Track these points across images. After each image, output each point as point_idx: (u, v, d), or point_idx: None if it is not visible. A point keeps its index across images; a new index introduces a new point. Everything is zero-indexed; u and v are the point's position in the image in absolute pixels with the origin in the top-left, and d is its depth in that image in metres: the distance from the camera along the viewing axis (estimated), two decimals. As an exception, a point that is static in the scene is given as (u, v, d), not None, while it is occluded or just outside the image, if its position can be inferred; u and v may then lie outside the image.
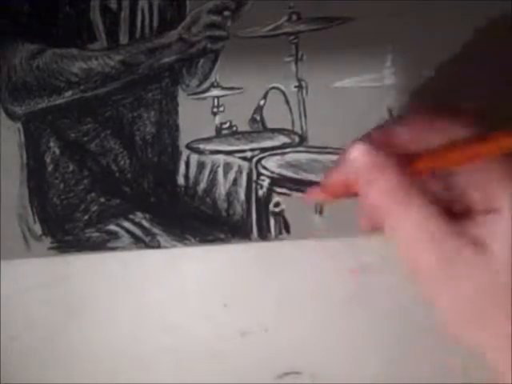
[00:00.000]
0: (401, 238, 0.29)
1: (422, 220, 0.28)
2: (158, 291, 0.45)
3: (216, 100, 0.45)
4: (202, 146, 0.45)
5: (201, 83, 0.45)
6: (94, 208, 0.45)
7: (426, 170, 0.29)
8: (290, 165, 0.44)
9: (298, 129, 0.45)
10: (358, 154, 0.29)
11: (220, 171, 0.45)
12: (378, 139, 0.30)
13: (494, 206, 0.27)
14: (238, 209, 0.44)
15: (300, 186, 0.44)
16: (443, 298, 0.29)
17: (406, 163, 0.29)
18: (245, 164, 0.45)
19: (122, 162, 0.45)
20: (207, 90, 0.45)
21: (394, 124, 0.31)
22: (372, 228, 0.32)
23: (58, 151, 0.45)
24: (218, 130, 0.45)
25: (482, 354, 0.28)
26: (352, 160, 0.29)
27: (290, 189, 0.44)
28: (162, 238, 0.44)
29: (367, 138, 0.30)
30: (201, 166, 0.45)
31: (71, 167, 0.45)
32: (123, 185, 0.45)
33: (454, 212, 0.29)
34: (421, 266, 0.28)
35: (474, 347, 0.29)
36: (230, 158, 0.45)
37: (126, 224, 0.44)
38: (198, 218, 0.44)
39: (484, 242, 0.27)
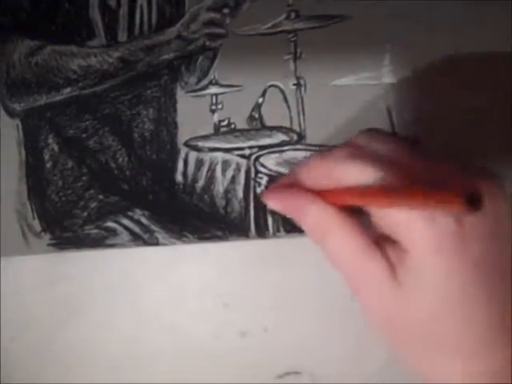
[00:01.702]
0: (329, 255, 0.31)
1: (344, 239, 0.29)
2: (157, 288, 0.45)
3: (214, 97, 0.45)
4: (200, 144, 0.45)
5: (199, 81, 0.45)
6: (93, 205, 0.45)
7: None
8: (289, 163, 0.45)
9: (296, 127, 0.45)
10: (273, 203, 0.33)
11: (218, 169, 0.45)
12: (287, 183, 0.33)
13: (403, 245, 0.28)
14: (236, 206, 0.44)
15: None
16: (366, 310, 0.31)
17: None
18: (243, 162, 0.45)
19: (121, 159, 0.45)
20: (206, 87, 0.45)
21: (298, 170, 0.33)
22: None
23: (56, 148, 0.45)
24: (217, 127, 0.45)
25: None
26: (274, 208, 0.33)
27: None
28: (161, 235, 0.44)
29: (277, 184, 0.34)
30: (199, 163, 0.45)
31: (70, 164, 0.45)
32: (122, 182, 0.45)
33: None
34: (347, 279, 0.31)
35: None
36: (228, 156, 0.45)
37: (125, 221, 0.45)
38: (196, 216, 0.44)
39: (398, 269, 0.28)
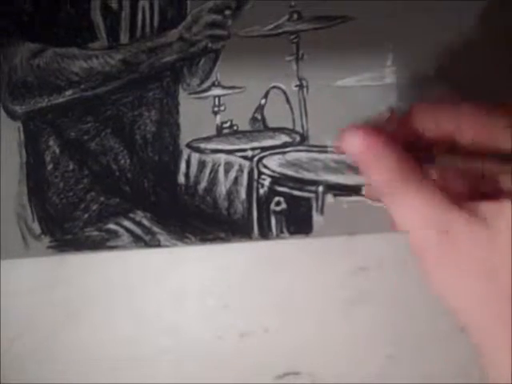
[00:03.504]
0: (401, 217, 0.28)
1: (421, 196, 0.27)
2: (158, 290, 0.44)
3: (217, 99, 0.45)
4: (202, 145, 0.45)
5: (202, 82, 0.45)
6: (94, 207, 0.44)
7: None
8: (291, 164, 0.44)
9: (298, 128, 0.44)
10: (352, 138, 0.29)
11: (221, 170, 0.44)
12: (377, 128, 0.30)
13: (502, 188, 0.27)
14: (239, 208, 0.44)
15: (301, 184, 0.44)
16: (444, 277, 0.28)
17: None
18: (246, 163, 0.44)
19: (123, 161, 0.45)
20: (208, 89, 0.45)
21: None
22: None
23: (57, 150, 0.45)
24: (219, 129, 0.45)
25: (483, 352, 0.28)
26: (347, 145, 0.29)
27: (291, 188, 0.44)
28: (163, 237, 0.44)
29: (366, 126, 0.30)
30: (201, 165, 0.45)
31: (71, 166, 0.45)
32: (123, 184, 0.45)
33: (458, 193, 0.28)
34: (422, 243, 0.28)
35: (476, 342, 0.28)
36: (230, 157, 0.45)
37: (126, 223, 0.44)
38: (198, 217, 0.44)
39: (489, 218, 0.27)
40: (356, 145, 0.29)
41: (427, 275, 0.28)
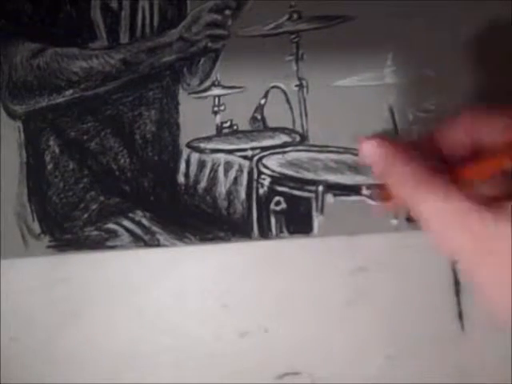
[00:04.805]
0: (429, 221, 0.28)
1: (444, 198, 0.28)
2: (158, 290, 0.44)
3: (217, 99, 0.45)
4: (202, 145, 0.45)
5: (202, 82, 0.45)
6: (94, 206, 0.44)
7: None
8: (291, 163, 0.44)
9: (298, 128, 0.44)
10: (369, 147, 0.30)
11: (221, 170, 0.44)
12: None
13: None
14: (239, 207, 0.44)
15: (301, 184, 0.44)
16: (483, 275, 0.28)
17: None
18: (245, 163, 0.44)
19: (122, 161, 0.45)
20: (208, 88, 0.45)
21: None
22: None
23: (57, 150, 0.45)
24: (219, 128, 0.45)
25: None
26: (365, 155, 0.30)
27: (291, 187, 0.44)
28: (162, 237, 0.44)
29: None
30: (201, 164, 0.44)
31: (71, 166, 0.45)
32: (123, 183, 0.45)
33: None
34: (456, 247, 0.28)
35: None
36: (230, 157, 0.45)
37: (126, 222, 0.44)
38: (198, 217, 0.44)
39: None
40: (371, 152, 0.30)
41: (469, 274, 0.28)
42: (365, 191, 0.43)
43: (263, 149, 0.45)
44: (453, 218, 0.27)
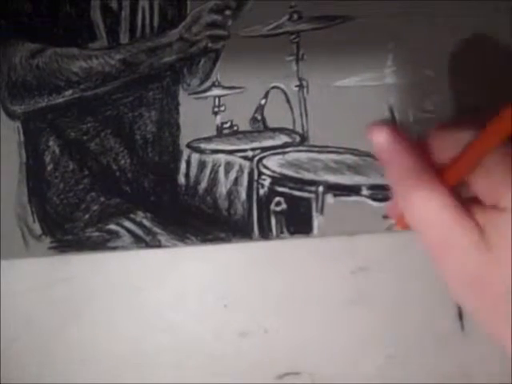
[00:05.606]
0: (412, 216, 0.29)
1: (430, 199, 0.28)
2: (159, 291, 0.44)
3: (217, 99, 0.45)
4: (202, 146, 0.45)
5: (202, 82, 0.45)
6: (95, 207, 0.44)
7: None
8: (291, 164, 0.44)
9: (298, 128, 0.44)
10: (379, 133, 0.30)
11: (221, 170, 0.44)
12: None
13: (499, 205, 0.28)
14: (239, 208, 0.44)
15: (301, 185, 0.44)
16: (448, 277, 0.29)
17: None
18: (246, 163, 0.44)
19: (123, 161, 0.45)
20: (208, 89, 0.45)
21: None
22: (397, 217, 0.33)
23: (57, 150, 0.45)
24: (219, 129, 0.45)
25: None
26: (374, 139, 0.31)
27: (291, 188, 0.44)
28: (163, 238, 0.44)
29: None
30: (202, 165, 0.44)
31: (71, 166, 0.45)
32: (124, 184, 0.45)
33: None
34: (429, 243, 0.29)
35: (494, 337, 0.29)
36: (231, 158, 0.45)
37: (127, 223, 0.44)
38: (198, 218, 0.44)
39: (488, 232, 0.27)
40: (382, 138, 0.30)
41: (443, 276, 0.29)
42: (365, 191, 0.43)
43: (263, 149, 0.45)
44: (434, 216, 0.28)
